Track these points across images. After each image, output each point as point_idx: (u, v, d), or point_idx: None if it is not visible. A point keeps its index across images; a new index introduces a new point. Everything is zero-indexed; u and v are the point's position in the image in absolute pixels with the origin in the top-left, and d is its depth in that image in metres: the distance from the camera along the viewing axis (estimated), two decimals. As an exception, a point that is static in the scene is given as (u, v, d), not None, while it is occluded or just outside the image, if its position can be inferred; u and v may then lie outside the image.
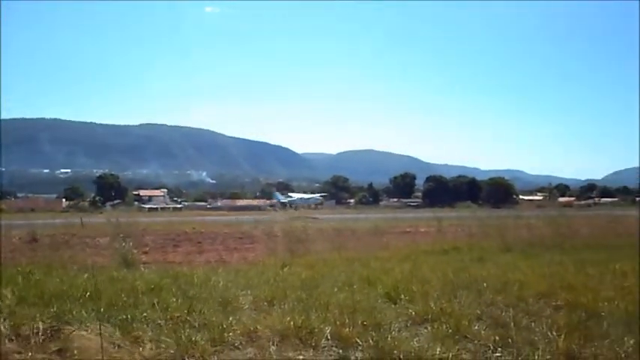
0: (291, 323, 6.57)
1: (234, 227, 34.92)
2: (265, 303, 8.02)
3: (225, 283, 9.46)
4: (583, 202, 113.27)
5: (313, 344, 6.09)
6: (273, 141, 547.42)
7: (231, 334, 6.31)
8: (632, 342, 5.79)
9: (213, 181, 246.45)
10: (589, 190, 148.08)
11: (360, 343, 6.06)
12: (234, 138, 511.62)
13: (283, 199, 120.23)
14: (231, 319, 6.79)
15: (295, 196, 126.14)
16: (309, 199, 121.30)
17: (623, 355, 5.51)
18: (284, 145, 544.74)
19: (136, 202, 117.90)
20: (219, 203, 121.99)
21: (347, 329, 6.39)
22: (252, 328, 6.51)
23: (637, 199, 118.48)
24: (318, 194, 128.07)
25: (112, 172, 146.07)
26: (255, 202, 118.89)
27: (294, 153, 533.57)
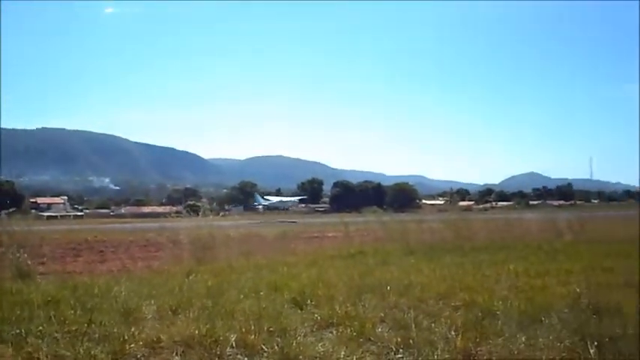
0: (196, 332, 6.45)
1: (138, 235, 33.89)
2: (169, 312, 7.82)
3: (127, 293, 9.15)
4: (481, 206, 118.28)
5: (218, 353, 6.00)
6: (180, 147, 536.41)
7: (132, 345, 6.12)
8: (523, 339, 6.08)
9: (117, 188, 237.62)
10: (487, 194, 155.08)
11: (266, 349, 6.03)
12: (139, 143, 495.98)
13: (264, 202, 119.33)
14: (133, 329, 6.59)
15: (274, 199, 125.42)
16: (287, 201, 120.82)
17: (515, 352, 5.76)
18: (191, 150, 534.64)
19: (34, 210, 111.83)
20: (122, 210, 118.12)
21: (252, 336, 6.34)
22: (155, 339, 6.34)
23: (530, 202, 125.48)
24: (297, 197, 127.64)
25: (8, 179, 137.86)
26: (161, 209, 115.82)
27: (201, 159, 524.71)
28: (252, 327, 6.67)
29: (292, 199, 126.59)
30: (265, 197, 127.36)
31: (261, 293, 9.27)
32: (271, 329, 6.75)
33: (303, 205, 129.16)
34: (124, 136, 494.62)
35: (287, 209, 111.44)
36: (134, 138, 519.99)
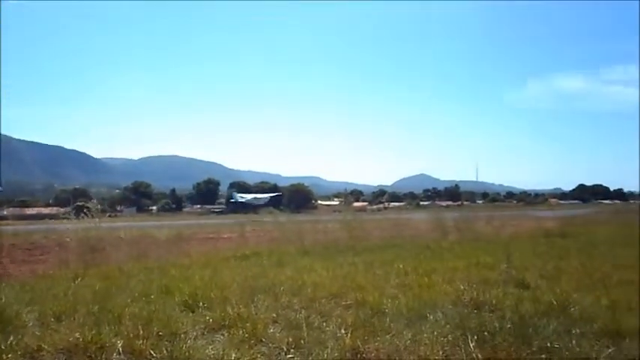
0: (80, 339, 6.16)
1: (22, 237, 31.91)
2: (52, 319, 7.42)
3: (7, 300, 8.60)
4: (375, 207, 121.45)
5: (104, 359, 5.78)
6: (69, 145, 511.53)
7: (10, 355, 5.76)
8: (409, 335, 6.30)
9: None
10: (380, 195, 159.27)
11: (154, 354, 5.86)
12: (24, 141, 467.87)
13: (241, 199, 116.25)
14: (12, 338, 6.19)
15: (248, 196, 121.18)
16: (260, 199, 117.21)
17: (402, 348, 5.95)
18: (80, 149, 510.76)
19: None
20: (5, 212, 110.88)
21: (140, 341, 6.14)
22: (35, 347, 6.01)
23: (420, 203, 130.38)
24: (268, 195, 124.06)
25: None
26: (47, 210, 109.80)
27: (92, 158, 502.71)
28: (141, 332, 6.47)
29: (264, 196, 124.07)
30: (240, 195, 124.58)
31: (152, 297, 9.01)
32: (160, 334, 6.58)
33: (199, 205, 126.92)
34: (6, 133, 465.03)
35: (257, 207, 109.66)
36: (18, 135, 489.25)
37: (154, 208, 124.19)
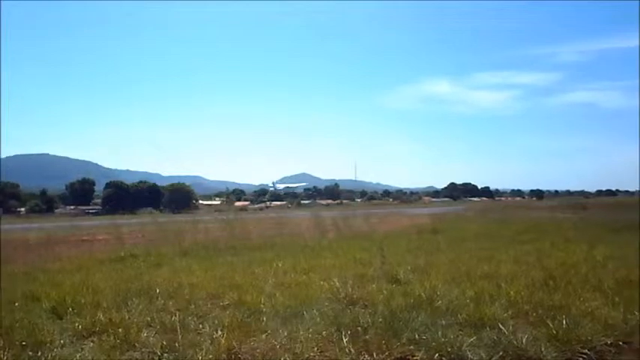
0: None
1: None
2: None
3: None
4: (257, 206, 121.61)
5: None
6: None
7: None
8: (285, 333, 6.35)
9: None
10: (262, 194, 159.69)
11: (16, 365, 5.51)
12: None
13: (279, 188, 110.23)
14: None
15: (281, 186, 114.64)
16: (294, 187, 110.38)
17: (277, 346, 5.98)
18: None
19: None
20: None
21: (0, 352, 5.75)
22: None
23: (302, 202, 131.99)
24: (302, 184, 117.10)
25: None
26: None
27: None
28: (2, 342, 6.07)
29: (299, 185, 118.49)
30: (276, 184, 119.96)
31: (17, 304, 8.46)
32: (24, 343, 6.19)
33: (72, 206, 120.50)
34: None
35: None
36: None
37: (23, 209, 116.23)
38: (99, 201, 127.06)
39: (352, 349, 5.78)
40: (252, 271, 11.79)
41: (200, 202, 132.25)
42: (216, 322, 6.98)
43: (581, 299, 7.67)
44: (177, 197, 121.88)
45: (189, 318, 7.30)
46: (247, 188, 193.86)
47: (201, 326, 6.90)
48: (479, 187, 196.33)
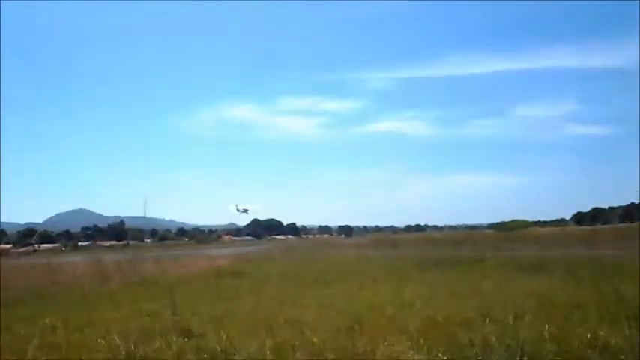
0: None
1: None
2: None
3: None
4: (22, 249, 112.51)
5: None
6: None
7: None
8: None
9: None
10: (29, 235, 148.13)
11: None
12: None
13: None
14: None
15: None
16: None
17: None
18: None
19: None
20: None
21: None
22: None
23: (79, 243, 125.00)
24: None
25: None
26: None
27: None
28: None
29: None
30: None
31: None
32: None
33: None
34: None
35: None
36: None
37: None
38: None
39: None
40: (13, 332, 10.79)
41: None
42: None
43: (387, 343, 8.09)
44: None
45: None
46: (10, 228, 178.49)
47: None
48: (284, 224, 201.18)
